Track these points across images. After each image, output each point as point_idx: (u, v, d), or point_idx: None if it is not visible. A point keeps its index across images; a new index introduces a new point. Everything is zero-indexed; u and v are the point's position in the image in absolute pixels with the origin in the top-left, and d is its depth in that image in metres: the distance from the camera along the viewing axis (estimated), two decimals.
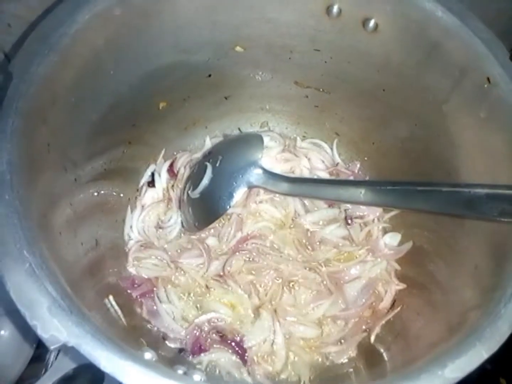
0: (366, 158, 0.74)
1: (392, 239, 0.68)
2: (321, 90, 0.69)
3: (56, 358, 0.73)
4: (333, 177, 0.74)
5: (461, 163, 0.52)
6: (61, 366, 0.71)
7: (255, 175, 0.60)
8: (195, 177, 0.64)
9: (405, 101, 0.59)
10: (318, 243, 0.68)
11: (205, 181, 0.61)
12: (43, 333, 0.29)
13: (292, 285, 0.65)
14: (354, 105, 0.69)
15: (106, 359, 0.29)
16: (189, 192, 0.63)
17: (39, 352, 0.72)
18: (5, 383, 0.69)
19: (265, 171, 0.61)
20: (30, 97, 0.40)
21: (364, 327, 0.62)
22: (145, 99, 0.60)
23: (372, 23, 0.53)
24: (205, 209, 0.62)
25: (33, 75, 0.40)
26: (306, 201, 0.70)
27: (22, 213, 0.35)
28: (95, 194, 0.58)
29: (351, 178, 0.73)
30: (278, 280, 0.65)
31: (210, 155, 0.65)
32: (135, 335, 0.52)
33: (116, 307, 0.51)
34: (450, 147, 0.53)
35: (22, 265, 0.32)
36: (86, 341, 0.30)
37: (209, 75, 0.65)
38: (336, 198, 0.60)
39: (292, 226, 0.69)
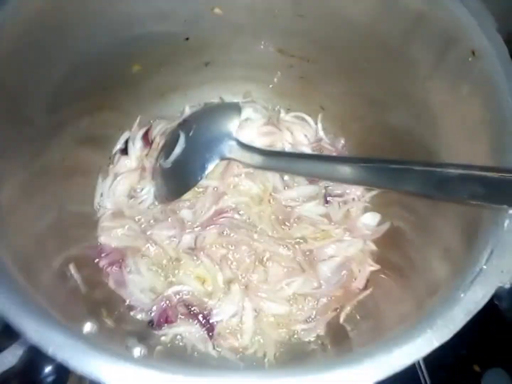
0: (350, 135, 0.71)
1: (371, 219, 0.66)
2: (306, 59, 0.66)
3: None
4: (315, 153, 0.71)
5: (441, 144, 0.49)
6: None
7: (228, 146, 0.58)
8: (167, 146, 0.62)
9: (390, 76, 0.56)
10: (295, 220, 0.66)
11: (177, 150, 0.59)
12: None
13: (265, 261, 0.63)
14: (339, 78, 0.65)
15: (32, 329, 0.28)
16: (161, 161, 0.60)
17: None
18: None
19: (239, 143, 0.58)
20: None
21: (334, 306, 0.61)
22: (117, 61, 0.57)
23: None
24: (176, 180, 0.60)
25: None
26: (286, 177, 0.68)
27: None
28: (62, 161, 0.55)
29: (334, 154, 0.71)
30: (251, 255, 0.63)
31: (184, 124, 0.62)
32: (96, 306, 0.51)
33: (76, 275, 0.50)
34: (431, 126, 0.51)
35: None
36: (12, 309, 0.28)
37: (187, 39, 0.61)
38: (311, 173, 0.58)
39: (269, 201, 0.67)
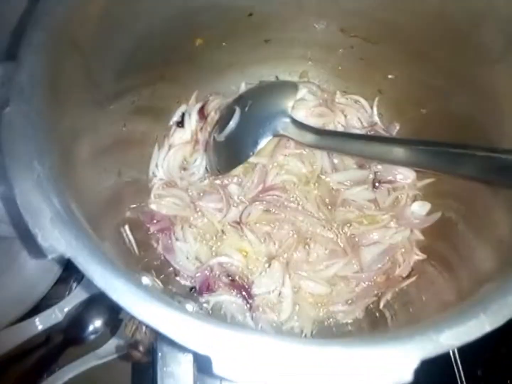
0: (406, 121, 0.69)
1: (421, 208, 0.64)
2: (368, 40, 0.64)
3: (79, 282, 0.78)
4: None
5: (504, 133, 0.47)
6: (82, 291, 0.76)
7: (282, 123, 0.58)
8: (222, 121, 0.63)
9: (455, 60, 0.54)
10: (341, 203, 0.66)
11: (232, 124, 0.60)
12: (43, 242, 0.31)
13: (308, 241, 0.64)
14: (401, 61, 0.63)
15: (99, 274, 0.30)
16: (215, 135, 0.62)
17: (65, 275, 0.77)
18: (30, 301, 0.74)
19: (293, 120, 0.58)
20: (59, 15, 0.39)
21: (375, 291, 0.61)
22: (181, 34, 0.59)
23: None
24: (229, 154, 0.61)
25: None
26: (336, 159, 0.68)
27: (38, 125, 0.35)
28: (123, 128, 0.58)
29: None
30: (294, 234, 0.64)
31: (240, 99, 0.63)
32: (147, 267, 0.54)
33: (130, 236, 0.53)
34: (495, 114, 0.48)
35: (31, 175, 0.33)
36: (82, 255, 0.31)
37: (250, 14, 0.62)
38: (363, 154, 0.57)
39: (316, 183, 0.67)
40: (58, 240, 0.31)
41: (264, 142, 0.59)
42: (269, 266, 0.62)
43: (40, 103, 0.36)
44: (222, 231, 0.65)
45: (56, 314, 0.75)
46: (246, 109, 0.60)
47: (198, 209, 0.65)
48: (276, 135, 0.59)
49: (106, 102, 0.52)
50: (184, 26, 0.58)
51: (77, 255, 0.31)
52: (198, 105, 0.69)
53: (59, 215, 0.32)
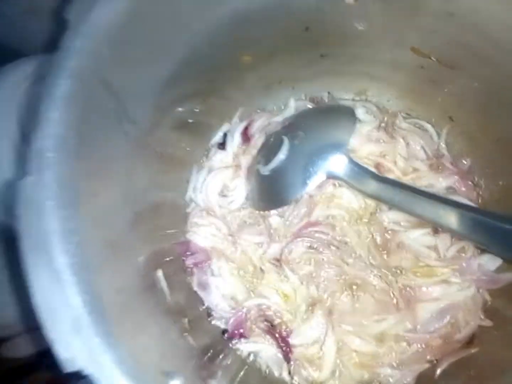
0: (480, 156, 0.59)
1: (490, 262, 0.56)
2: (443, 63, 0.55)
3: None
4: (432, 172, 0.61)
5: None
6: None
7: (338, 163, 0.51)
8: (268, 150, 0.56)
9: None
10: (395, 247, 0.58)
11: (279, 158, 0.53)
12: (61, 352, 0.26)
13: (355, 289, 0.57)
14: (481, 87, 0.54)
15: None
16: (259, 166, 0.55)
17: None
18: None
19: (352, 161, 0.51)
20: (87, 53, 0.33)
21: (428, 357, 0.54)
22: (227, 51, 0.52)
23: None
24: (273, 190, 0.55)
25: (93, 25, 0.33)
26: None
27: (61, 198, 0.30)
28: (160, 150, 0.53)
29: (456, 177, 0.60)
30: (339, 279, 0.58)
31: (289, 128, 0.56)
32: (178, 314, 0.49)
33: (164, 283, 0.48)
34: None
35: (49, 265, 0.28)
36: (105, 372, 0.26)
37: (307, 28, 0.53)
38: (438, 221, 0.48)
39: (369, 221, 0.60)
40: (78, 351, 0.26)
41: (315, 183, 0.52)
42: (310, 313, 0.57)
43: (66, 167, 0.30)
44: (261, 269, 0.59)
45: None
46: (296, 141, 0.53)
47: (236, 242, 0.60)
48: (330, 176, 0.51)
49: (143, 132, 0.47)
50: (232, 44, 0.51)
51: (100, 373, 0.26)
52: (242, 125, 0.62)
53: (80, 318, 0.27)
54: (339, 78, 0.63)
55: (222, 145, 0.62)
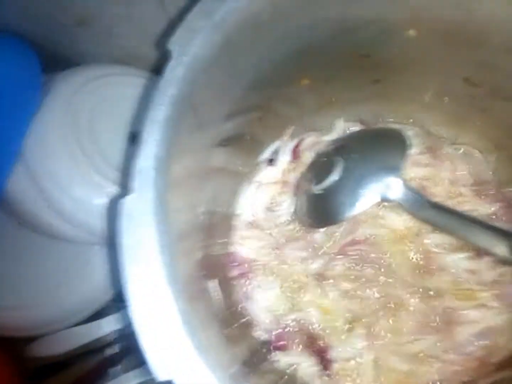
0: None
1: None
2: (496, 95, 0.56)
3: None
4: (476, 197, 0.62)
5: None
6: None
7: (392, 187, 0.52)
8: (320, 169, 0.58)
9: None
10: (436, 269, 0.60)
11: (333, 177, 0.55)
12: (159, 372, 0.28)
13: (394, 309, 0.59)
14: None
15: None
16: (311, 185, 0.57)
17: None
18: (98, 304, 0.75)
19: (406, 185, 0.52)
20: (187, 82, 0.36)
21: (464, 378, 0.55)
22: (289, 75, 0.54)
23: None
24: (323, 209, 0.57)
25: (192, 56, 0.36)
26: None
27: (158, 213, 0.32)
28: (217, 168, 0.55)
29: (499, 204, 0.61)
30: (380, 298, 0.59)
31: (342, 148, 0.58)
32: (230, 322, 0.52)
33: (219, 291, 0.51)
34: None
35: (149, 277, 0.30)
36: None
37: (368, 56, 0.55)
38: (485, 246, 0.50)
39: (412, 241, 0.62)
40: (173, 359, 0.29)
41: (368, 205, 0.53)
42: (349, 330, 0.58)
43: (160, 188, 0.33)
44: (304, 283, 0.61)
45: (121, 319, 0.76)
46: (349, 162, 0.55)
47: (281, 256, 0.62)
48: (384, 200, 0.53)
49: (210, 150, 0.49)
50: (294, 67, 0.53)
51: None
52: (293, 143, 0.65)
53: (177, 329, 0.29)
54: (389, 103, 0.65)
55: (270, 162, 0.64)
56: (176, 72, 0.34)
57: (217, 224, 0.58)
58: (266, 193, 0.64)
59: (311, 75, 0.57)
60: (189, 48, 0.34)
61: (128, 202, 0.31)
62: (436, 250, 0.61)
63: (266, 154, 0.65)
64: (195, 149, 0.43)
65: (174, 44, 0.34)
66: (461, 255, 0.59)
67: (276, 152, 0.65)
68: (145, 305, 0.29)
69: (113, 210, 0.31)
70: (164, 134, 0.33)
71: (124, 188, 0.31)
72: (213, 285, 0.51)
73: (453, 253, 0.60)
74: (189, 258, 0.42)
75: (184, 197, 0.41)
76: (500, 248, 0.47)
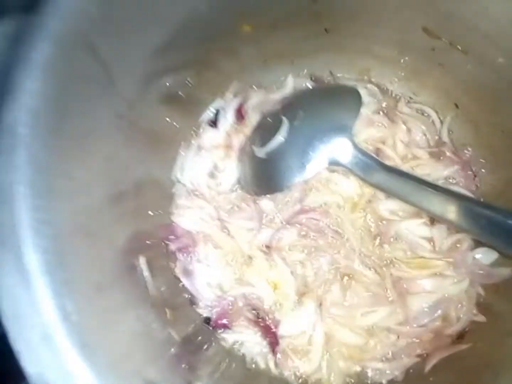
0: (483, 146, 0.57)
1: (485, 256, 0.54)
2: (456, 46, 0.51)
3: None
4: (433, 160, 0.58)
5: None
6: None
7: (341, 148, 0.47)
8: (265, 131, 0.52)
9: None
10: (390, 238, 0.56)
11: (278, 138, 0.49)
12: (27, 365, 0.22)
13: (347, 279, 0.55)
14: (492, 76, 0.51)
15: None
16: (254, 147, 0.51)
17: None
18: None
19: (356, 147, 0.47)
20: (72, 12, 0.28)
21: (418, 351, 0.53)
22: (227, 19, 0.47)
23: None
24: (268, 174, 0.51)
25: None
26: None
27: (34, 183, 0.25)
28: (145, 129, 0.48)
29: (456, 167, 0.58)
30: (331, 269, 0.55)
31: (289, 107, 0.51)
32: (161, 305, 0.46)
33: (147, 272, 0.45)
34: None
35: (18, 264, 0.24)
36: None
37: (314, 0, 0.48)
38: (437, 212, 0.46)
39: (364, 209, 0.57)
40: (48, 364, 0.22)
41: (315, 170, 0.48)
42: (299, 303, 0.54)
43: (39, 150, 0.26)
44: (249, 256, 0.56)
45: None
46: (296, 121, 0.49)
47: (225, 227, 0.56)
48: (332, 163, 0.48)
49: (126, 104, 0.42)
50: (231, 12, 0.46)
51: None
52: (236, 101, 0.58)
53: (52, 326, 0.23)
54: (342, 56, 0.59)
55: (213, 123, 0.57)
56: (57, 2, 0.26)
57: (148, 193, 0.51)
58: (207, 158, 0.57)
59: (254, 21, 0.49)
60: None
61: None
62: (389, 217, 0.57)
63: (207, 114, 0.58)
64: (104, 107, 0.35)
65: None
66: (416, 222, 0.56)
67: (218, 113, 0.57)
68: (16, 298, 0.23)
69: None
70: (45, 81, 0.26)
71: None
72: (141, 264, 0.45)
73: (406, 219, 0.56)
74: (95, 233, 0.35)
75: (87, 164, 0.34)
76: (453, 214, 0.44)
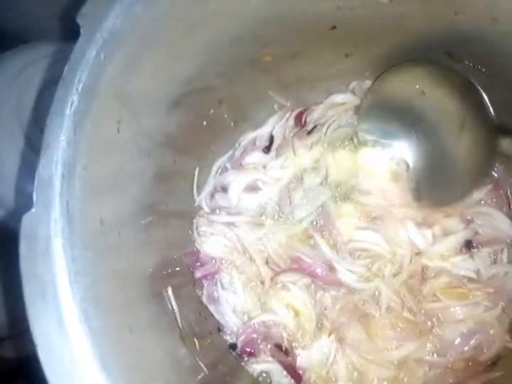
0: None
1: None
2: (479, 67, 0.50)
3: None
4: None
5: None
6: None
7: None
8: None
9: None
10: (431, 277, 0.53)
11: None
12: None
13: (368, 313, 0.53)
14: None
15: None
16: None
17: None
18: None
19: None
20: (100, 62, 0.29)
21: (451, 380, 0.51)
22: (248, 52, 0.47)
23: None
24: None
25: (107, 30, 0.28)
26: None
27: (70, 234, 0.26)
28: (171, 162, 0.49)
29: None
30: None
31: None
32: (189, 336, 0.46)
33: (175, 306, 0.45)
34: None
35: (56, 317, 0.24)
36: None
37: (334, 27, 0.49)
38: None
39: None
40: None
41: None
42: (319, 331, 0.53)
43: (73, 199, 0.26)
44: (272, 280, 0.55)
45: None
46: None
47: (247, 253, 0.56)
48: None
49: (151, 143, 0.43)
50: (253, 44, 0.46)
51: None
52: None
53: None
54: (363, 79, 0.58)
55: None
56: (86, 53, 0.27)
57: (173, 223, 0.52)
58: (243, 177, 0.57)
59: (275, 51, 0.49)
60: (104, 21, 0.27)
61: (30, 220, 0.24)
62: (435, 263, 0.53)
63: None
64: (131, 146, 0.36)
65: (84, 17, 0.27)
66: (461, 257, 0.53)
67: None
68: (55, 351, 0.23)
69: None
70: (77, 132, 0.27)
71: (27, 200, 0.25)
72: (169, 294, 0.45)
73: (452, 256, 0.53)
74: (126, 275, 0.35)
75: (118, 203, 0.34)
76: None
